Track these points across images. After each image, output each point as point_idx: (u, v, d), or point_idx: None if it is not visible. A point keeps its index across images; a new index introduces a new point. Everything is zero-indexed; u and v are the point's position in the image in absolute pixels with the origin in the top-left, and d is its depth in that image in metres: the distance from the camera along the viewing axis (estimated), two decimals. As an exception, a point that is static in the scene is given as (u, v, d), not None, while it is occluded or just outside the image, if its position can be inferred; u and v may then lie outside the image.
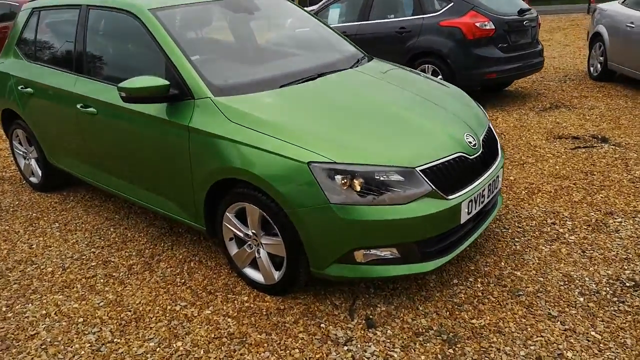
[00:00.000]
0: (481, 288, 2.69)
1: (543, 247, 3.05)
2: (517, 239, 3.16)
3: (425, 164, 2.38)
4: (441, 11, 6.11)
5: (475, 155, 2.61)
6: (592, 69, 7.85)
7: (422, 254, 2.43)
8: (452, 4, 6.06)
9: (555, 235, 3.18)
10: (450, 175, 2.45)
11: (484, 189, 2.63)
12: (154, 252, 3.22)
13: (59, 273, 3.04)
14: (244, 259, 2.77)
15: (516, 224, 3.34)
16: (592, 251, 2.99)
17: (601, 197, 3.68)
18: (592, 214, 3.44)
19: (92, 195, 4.15)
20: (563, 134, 5.13)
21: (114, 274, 2.99)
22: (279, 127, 2.44)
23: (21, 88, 3.83)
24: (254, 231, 2.63)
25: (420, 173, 2.35)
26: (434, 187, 2.36)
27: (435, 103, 2.88)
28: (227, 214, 2.71)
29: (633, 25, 6.57)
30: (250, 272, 2.78)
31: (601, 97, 6.55)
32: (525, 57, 6.28)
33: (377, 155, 2.33)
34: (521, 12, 6.27)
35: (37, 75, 3.69)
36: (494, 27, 5.88)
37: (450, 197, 2.42)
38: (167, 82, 2.69)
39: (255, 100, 2.65)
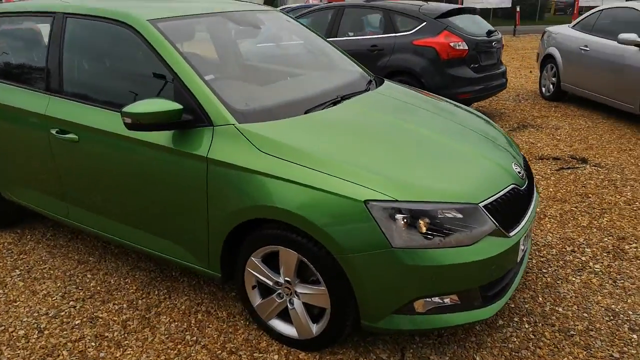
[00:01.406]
0: (530, 329, 2.49)
1: (573, 279, 2.92)
2: (544, 270, 3.01)
3: (487, 199, 2.15)
4: (414, 30, 6.03)
5: (524, 187, 2.42)
6: (544, 89, 8.12)
7: (483, 299, 2.18)
8: (425, 23, 6.00)
9: (580, 265, 3.06)
10: (507, 209, 2.24)
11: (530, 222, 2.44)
12: (149, 302, 2.74)
13: (35, 337, 2.49)
14: (271, 310, 2.39)
15: (537, 253, 3.20)
16: (622, 281, 2.90)
17: (606, 221, 3.65)
18: (606, 239, 3.38)
19: (54, 233, 3.56)
20: (543, 155, 5.16)
21: (106, 335, 2.49)
22: (322, 159, 2.12)
23: (-30, 110, 3.21)
24: (287, 279, 2.27)
25: (484, 209, 2.11)
26: (497, 225, 2.13)
27: (472, 129, 2.68)
28: (253, 258, 2.33)
29: (588, 49, 6.85)
30: (279, 325, 2.41)
31: (561, 117, 6.75)
32: (492, 77, 6.34)
33: (438, 191, 2.07)
34: (489, 33, 6.34)
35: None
36: (467, 48, 5.87)
37: (510, 234, 2.20)
38: (180, 106, 2.29)
39: (286, 128, 2.31)
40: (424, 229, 1.99)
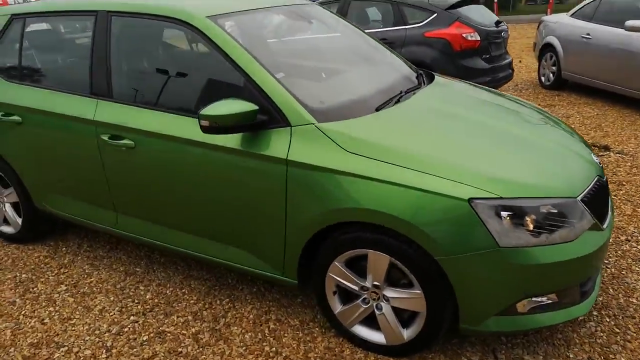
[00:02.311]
0: (612, 323, 2.47)
1: (637, 268, 2.91)
2: (605, 261, 3.00)
3: (583, 192, 2.10)
4: (425, 22, 5.98)
5: (605, 177, 2.39)
6: (543, 78, 8.18)
7: (581, 294, 2.14)
8: (436, 14, 5.95)
9: (639, 254, 3.06)
10: (596, 201, 2.20)
11: None
12: (214, 313, 2.62)
13: (104, 356, 2.35)
14: (355, 316, 2.31)
15: (592, 244, 3.19)
16: (683, 268, 2.91)
17: (648, 208, 3.67)
18: (654, 227, 3.39)
19: (90, 244, 3.39)
20: (563, 144, 5.17)
21: (179, 350, 2.37)
22: (417, 157, 2.03)
23: (1, 116, 3.01)
24: (376, 283, 2.18)
25: (581, 203, 2.06)
26: (594, 218, 2.09)
27: (542, 121, 2.63)
28: (337, 263, 2.24)
29: (590, 37, 6.90)
30: (363, 331, 2.33)
31: (568, 105, 6.80)
32: (501, 68, 6.34)
33: (538, 187, 2.01)
34: (497, 23, 6.33)
35: (28, 100, 2.91)
36: (479, 39, 5.85)
37: (604, 226, 2.16)
38: (256, 107, 2.17)
39: (368, 126, 2.21)
40: (531, 226, 1.93)
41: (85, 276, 3.01)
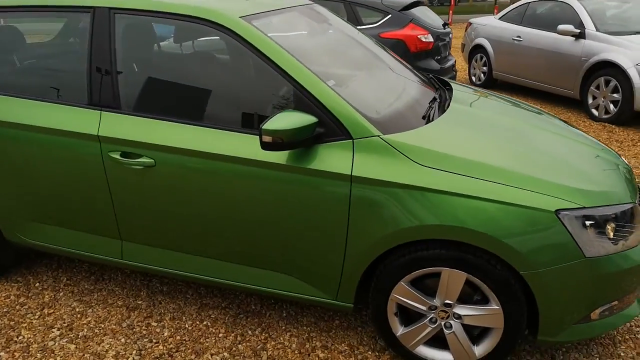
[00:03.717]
0: (642, 316, 2.58)
1: None
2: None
3: (637, 197, 2.16)
4: (379, 22, 5.98)
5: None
6: (474, 77, 8.60)
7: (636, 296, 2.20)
8: (390, 15, 5.97)
9: None
10: None
11: None
12: (251, 346, 2.36)
13: (143, 412, 2.00)
14: (420, 337, 2.19)
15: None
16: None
17: None
18: None
19: (69, 276, 2.92)
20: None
21: (230, 394, 2.09)
22: (496, 169, 1.96)
23: (-38, 132, 2.48)
24: (448, 301, 2.08)
25: None
26: None
27: (567, 127, 2.68)
28: (403, 283, 2.10)
29: (521, 39, 7.35)
30: (428, 352, 2.22)
31: (505, 104, 7.17)
32: (448, 70, 6.53)
33: (609, 194, 2.02)
34: (444, 25, 6.51)
35: (3, 113, 2.42)
36: (432, 40, 5.96)
37: None
38: (315, 119, 1.97)
39: (432, 137, 2.09)
40: (611, 234, 1.94)
41: (78, 315, 2.58)
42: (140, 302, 2.68)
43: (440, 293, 2.08)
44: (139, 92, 2.26)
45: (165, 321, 2.53)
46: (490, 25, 8.19)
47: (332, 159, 2.02)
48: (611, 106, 6.02)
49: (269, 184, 2.09)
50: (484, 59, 8.28)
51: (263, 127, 1.87)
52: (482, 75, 8.38)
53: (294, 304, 2.66)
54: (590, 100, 6.29)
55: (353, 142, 2.02)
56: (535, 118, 2.67)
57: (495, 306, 2.02)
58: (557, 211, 1.87)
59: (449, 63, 6.57)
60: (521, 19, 7.62)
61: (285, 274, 2.26)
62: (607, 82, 6.01)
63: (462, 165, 1.96)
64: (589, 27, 6.34)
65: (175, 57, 2.37)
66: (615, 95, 5.93)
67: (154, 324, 2.51)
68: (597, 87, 6.16)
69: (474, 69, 8.58)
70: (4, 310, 2.62)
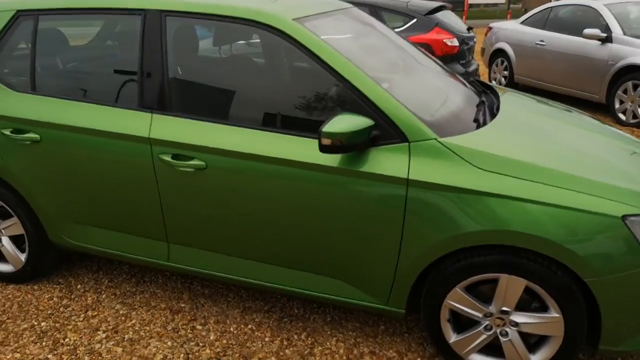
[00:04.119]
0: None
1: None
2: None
3: None
4: (405, 27, 5.96)
5: None
6: (494, 82, 8.55)
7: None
8: (416, 19, 5.95)
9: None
10: None
11: None
12: (298, 350, 2.34)
13: (197, 417, 1.99)
14: (474, 344, 2.15)
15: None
16: None
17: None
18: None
19: (110, 278, 2.92)
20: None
21: (283, 400, 2.07)
22: (560, 174, 1.92)
23: (11, 133, 2.48)
24: (506, 308, 2.04)
25: None
26: None
27: (604, 127, 2.65)
28: (458, 289, 2.07)
29: (544, 43, 7.30)
30: (481, 360, 2.18)
31: (529, 108, 7.11)
32: (471, 74, 6.50)
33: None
34: (468, 29, 6.48)
35: (50, 114, 2.42)
36: (458, 44, 5.93)
37: None
38: (372, 122, 1.95)
39: (490, 140, 2.07)
40: (675, 240, 1.90)
41: (123, 318, 2.57)
42: (183, 305, 2.67)
43: (497, 300, 2.04)
44: (190, 95, 2.26)
45: (209, 324, 2.52)
46: (511, 30, 8.14)
47: (388, 162, 2.00)
48: (639, 110, 5.95)
49: (323, 187, 2.07)
50: (505, 63, 8.23)
51: (323, 130, 1.86)
52: (502, 79, 8.34)
53: (336, 308, 2.64)
54: (617, 105, 6.22)
55: (409, 145, 2.00)
56: (579, 119, 2.63)
57: (555, 314, 1.98)
58: (624, 217, 1.83)
59: (473, 67, 6.53)
60: (544, 24, 7.56)
61: (334, 278, 2.24)
62: (635, 87, 5.94)
63: (523, 169, 1.93)
64: (616, 31, 6.28)
65: (226, 60, 2.36)
66: (643, 99, 5.86)
67: (198, 327, 2.50)
68: (625, 91, 6.10)
69: (495, 73, 8.54)
70: (48, 312, 2.62)
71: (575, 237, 1.84)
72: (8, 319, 2.57)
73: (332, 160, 2.04)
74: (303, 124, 2.13)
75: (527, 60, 7.68)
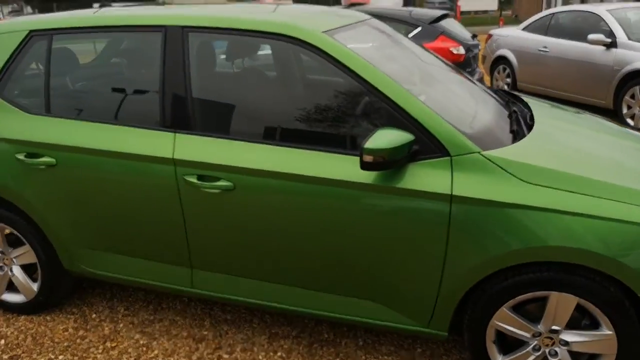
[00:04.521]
0: None
1: None
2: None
3: None
4: (410, 36, 5.90)
5: None
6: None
7: None
8: (420, 28, 5.90)
9: None
10: None
11: None
12: (334, 379, 2.22)
13: None
14: (522, 366, 2.04)
15: None
16: None
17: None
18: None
19: (126, 306, 2.78)
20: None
21: None
22: (603, 185, 1.83)
23: (25, 157, 2.37)
24: (555, 327, 1.94)
25: None
26: None
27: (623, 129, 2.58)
28: (505, 309, 1.96)
29: (547, 50, 7.27)
30: (529, 382, 2.06)
31: (534, 115, 7.06)
32: (478, 82, 6.43)
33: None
34: (473, 37, 6.43)
35: (66, 136, 2.31)
36: (464, 52, 5.88)
37: None
38: (412, 136, 1.85)
39: (532, 153, 1.97)
40: None
41: (144, 349, 2.44)
42: (205, 333, 2.54)
43: (546, 318, 1.94)
44: (214, 113, 2.16)
45: (236, 352, 2.39)
46: (512, 37, 8.12)
47: (429, 177, 1.90)
48: (648, 115, 5.91)
49: (361, 206, 1.96)
50: (507, 70, 8.20)
51: (365, 147, 1.76)
52: (505, 86, 8.30)
53: (368, 331, 2.52)
54: (625, 110, 6.17)
55: (451, 159, 1.90)
56: (602, 125, 2.56)
57: (607, 331, 1.88)
58: (681, 230, 1.74)
59: (477, 75, 6.48)
60: (546, 30, 7.54)
61: (372, 301, 2.13)
62: (643, 91, 5.90)
63: (571, 181, 1.84)
64: (620, 36, 6.25)
65: (251, 76, 2.27)
66: (652, 103, 5.81)
67: (225, 355, 2.37)
68: (632, 97, 6.05)
69: (497, 80, 8.50)
70: (65, 345, 2.49)
71: (627, 250, 1.74)
72: (23, 352, 2.44)
73: (369, 177, 1.94)
74: (337, 141, 2.04)
75: (530, 66, 7.65)
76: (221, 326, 2.59)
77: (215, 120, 2.15)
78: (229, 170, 2.08)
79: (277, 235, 2.10)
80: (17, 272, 2.65)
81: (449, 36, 5.85)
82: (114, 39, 2.55)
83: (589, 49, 6.60)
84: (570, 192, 1.81)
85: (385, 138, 1.79)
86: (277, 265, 2.17)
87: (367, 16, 2.85)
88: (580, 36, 6.82)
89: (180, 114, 2.17)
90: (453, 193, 1.87)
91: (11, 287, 2.72)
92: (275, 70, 2.49)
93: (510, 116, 2.39)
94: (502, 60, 8.30)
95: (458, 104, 2.23)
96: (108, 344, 2.48)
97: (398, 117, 1.94)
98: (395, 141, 1.79)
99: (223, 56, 2.59)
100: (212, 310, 2.72)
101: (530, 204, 1.81)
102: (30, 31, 2.43)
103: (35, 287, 2.65)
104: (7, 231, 2.57)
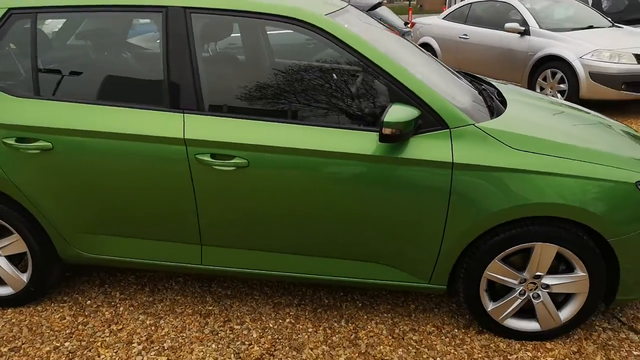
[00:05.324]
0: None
1: None
2: None
3: None
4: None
5: None
6: (421, 74, 9.04)
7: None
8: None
9: None
10: None
11: None
12: (346, 337, 2.41)
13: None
14: (510, 310, 2.36)
15: None
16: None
17: None
18: None
19: (122, 290, 2.77)
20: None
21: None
22: (581, 150, 2.18)
23: (15, 142, 2.28)
24: (539, 273, 2.27)
25: None
26: None
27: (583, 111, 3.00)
28: (497, 260, 2.26)
29: (467, 37, 7.87)
30: (516, 323, 2.40)
31: (459, 98, 7.64)
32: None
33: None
34: (405, 24, 6.81)
35: (62, 119, 2.26)
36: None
37: None
38: (419, 111, 2.08)
39: (516, 124, 2.28)
40: (674, 200, 2.23)
41: (153, 328, 2.47)
42: (210, 308, 2.62)
43: (531, 266, 2.26)
44: (223, 93, 2.23)
45: (247, 323, 2.50)
46: (435, 25, 8.66)
47: (432, 148, 2.13)
48: (558, 95, 6.64)
49: (371, 177, 2.15)
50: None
51: (385, 120, 1.95)
52: (429, 71, 8.83)
53: (364, 294, 2.74)
54: (538, 90, 6.88)
55: (450, 131, 2.15)
56: (557, 103, 2.96)
57: (581, 273, 2.24)
58: (637, 183, 2.12)
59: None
60: (465, 19, 8.14)
61: (380, 264, 2.34)
62: (553, 74, 6.62)
63: (551, 147, 2.16)
64: (532, 24, 6.94)
65: (256, 55, 2.36)
66: (561, 85, 6.54)
67: (236, 327, 2.48)
68: (544, 79, 6.76)
69: (421, 66, 9.01)
70: (67, 332, 2.45)
71: (600, 203, 2.10)
72: (24, 343, 2.37)
73: (378, 149, 2.13)
74: (345, 117, 2.20)
75: (452, 53, 8.22)
76: (224, 301, 2.68)
77: (224, 100, 2.22)
78: (244, 148, 2.17)
79: (291, 208, 2.24)
80: (3, 264, 2.55)
81: (386, 24, 6.15)
82: (106, 18, 2.51)
83: (505, 36, 7.24)
84: (551, 155, 2.13)
85: (401, 112, 1.99)
86: (291, 236, 2.31)
87: (345, 3, 3.02)
88: (497, 24, 7.46)
89: (188, 95, 2.21)
90: (454, 161, 2.12)
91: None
92: (278, 51, 2.59)
93: (481, 93, 2.69)
94: (425, 47, 8.81)
95: (445, 84, 2.48)
96: (113, 327, 2.48)
97: (402, 94, 2.15)
98: (409, 115, 2.00)
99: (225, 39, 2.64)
100: (211, 287, 2.80)
101: (520, 167, 2.10)
102: (10, 9, 2.33)
103: (24, 277, 2.56)
104: (-7, 221, 2.46)
